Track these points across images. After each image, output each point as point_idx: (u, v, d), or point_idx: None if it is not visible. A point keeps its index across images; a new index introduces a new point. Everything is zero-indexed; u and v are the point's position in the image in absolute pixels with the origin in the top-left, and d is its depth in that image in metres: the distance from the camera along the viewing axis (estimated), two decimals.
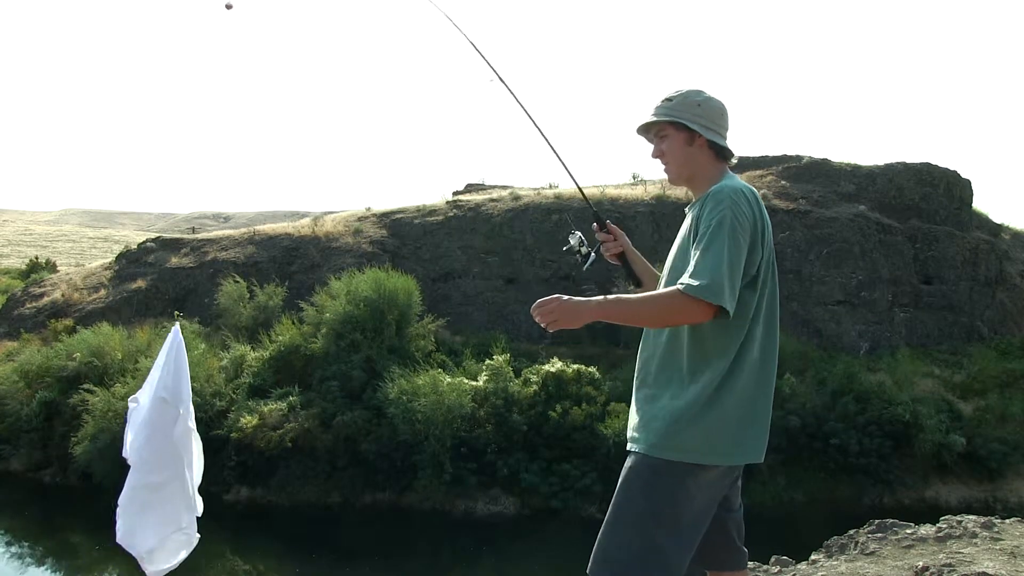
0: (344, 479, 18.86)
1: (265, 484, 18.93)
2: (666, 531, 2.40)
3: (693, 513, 2.44)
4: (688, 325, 2.46)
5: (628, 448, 2.56)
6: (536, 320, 2.44)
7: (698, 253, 2.38)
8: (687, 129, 2.57)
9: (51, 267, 38.98)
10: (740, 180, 2.56)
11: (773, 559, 4.83)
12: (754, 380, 2.48)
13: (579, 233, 2.95)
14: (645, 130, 2.68)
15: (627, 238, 2.96)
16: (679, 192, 24.81)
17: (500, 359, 20.19)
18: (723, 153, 2.62)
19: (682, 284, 2.34)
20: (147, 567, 3.98)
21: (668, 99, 2.61)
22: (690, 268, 2.38)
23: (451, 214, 26.79)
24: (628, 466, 2.52)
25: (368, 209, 29.35)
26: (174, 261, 27.22)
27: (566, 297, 2.42)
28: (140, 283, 26.51)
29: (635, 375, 2.65)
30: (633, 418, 2.59)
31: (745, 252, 2.40)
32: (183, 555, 4.06)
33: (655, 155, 2.66)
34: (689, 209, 2.60)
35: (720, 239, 2.37)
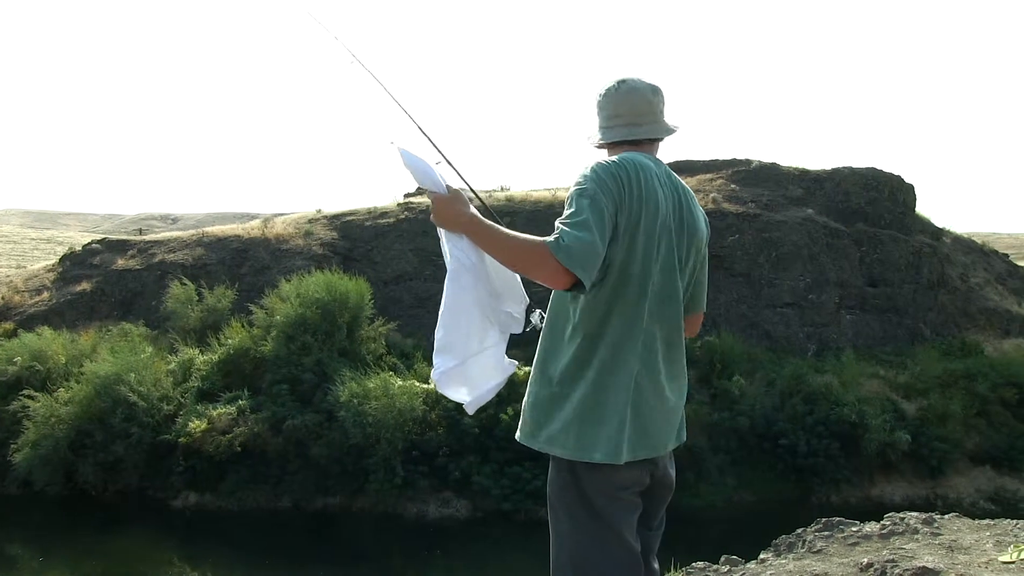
0: (295, 483, 18.65)
1: (214, 489, 18.63)
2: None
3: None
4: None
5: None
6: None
7: (565, 214, 2.30)
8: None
9: None
10: (634, 154, 2.48)
11: (723, 558, 4.88)
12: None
13: (540, 312, 2.73)
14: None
15: None
16: None
17: None
18: (624, 142, 2.59)
19: (550, 240, 2.22)
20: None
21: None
22: (558, 227, 2.26)
23: (402, 216, 26.62)
24: None
25: (318, 211, 29.06)
26: (120, 263, 26.63)
27: (455, 201, 2.57)
28: (85, 285, 25.89)
29: None
30: None
31: (609, 223, 2.29)
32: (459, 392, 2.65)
33: None
34: None
35: (581, 205, 2.27)
